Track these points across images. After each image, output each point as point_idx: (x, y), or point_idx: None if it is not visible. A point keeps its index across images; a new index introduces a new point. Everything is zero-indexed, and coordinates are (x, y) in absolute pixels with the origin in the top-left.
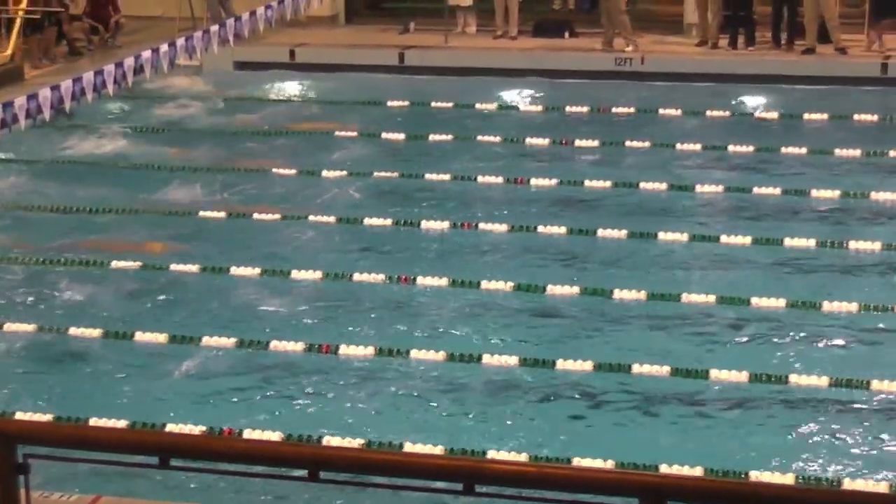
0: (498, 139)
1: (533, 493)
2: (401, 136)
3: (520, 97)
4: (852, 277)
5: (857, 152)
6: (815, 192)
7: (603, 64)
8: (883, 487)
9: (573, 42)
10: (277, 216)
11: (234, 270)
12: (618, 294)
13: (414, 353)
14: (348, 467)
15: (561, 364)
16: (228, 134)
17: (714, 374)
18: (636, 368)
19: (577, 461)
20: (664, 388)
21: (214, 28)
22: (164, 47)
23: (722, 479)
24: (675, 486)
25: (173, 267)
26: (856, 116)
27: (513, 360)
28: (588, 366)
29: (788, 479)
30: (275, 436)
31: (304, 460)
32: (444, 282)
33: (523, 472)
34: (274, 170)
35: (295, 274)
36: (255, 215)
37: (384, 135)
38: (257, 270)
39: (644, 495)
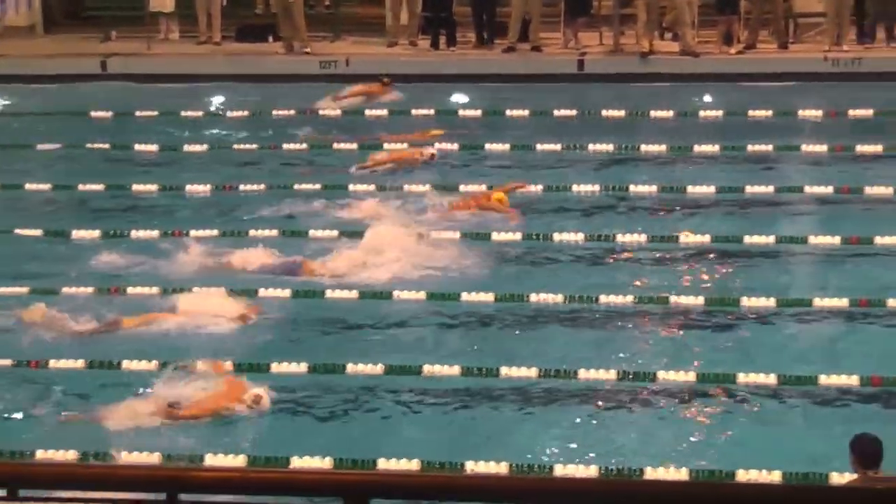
0: (205, 147)
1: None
2: (105, 146)
3: (226, 103)
4: (558, 269)
5: (558, 146)
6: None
7: (308, 67)
8: (593, 472)
9: (277, 46)
10: None
11: None
12: (330, 294)
13: (125, 364)
14: (51, 483)
15: (275, 367)
16: None
17: (427, 369)
18: (351, 368)
19: (296, 462)
20: (381, 385)
21: None
22: None
23: (432, 474)
24: (381, 484)
25: None
26: (555, 112)
27: (227, 366)
28: (303, 368)
29: (503, 468)
30: None
31: (2, 478)
32: (154, 290)
33: (228, 479)
34: None
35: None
36: None
37: (88, 145)
38: None
39: (348, 494)
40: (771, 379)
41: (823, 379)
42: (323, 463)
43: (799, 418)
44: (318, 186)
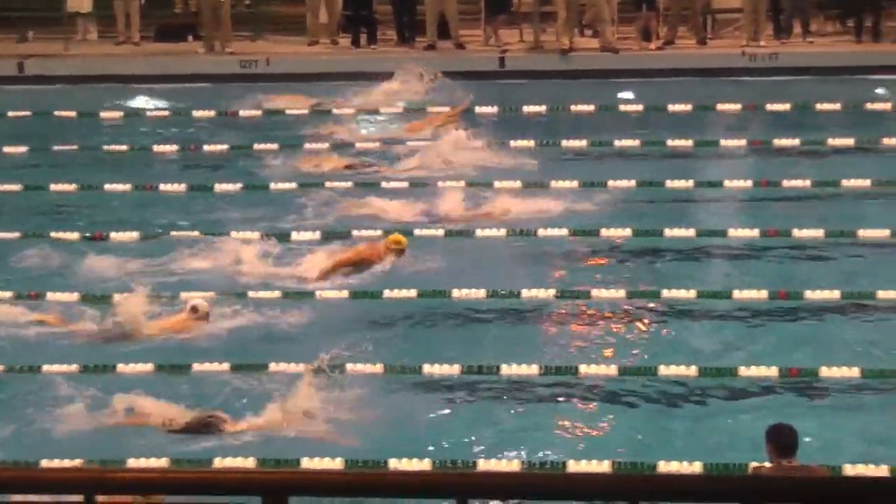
0: (125, 147)
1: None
2: (23, 149)
3: (145, 104)
4: (480, 265)
5: (479, 143)
6: (441, 184)
7: (228, 67)
8: (516, 466)
9: (197, 45)
10: None
11: None
12: (252, 295)
13: (46, 367)
14: None
15: (197, 366)
16: None
17: (273, 366)
18: (273, 367)
19: (219, 462)
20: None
21: None
22: None
23: (352, 471)
24: (298, 482)
25: None
26: (478, 109)
27: (148, 367)
28: (225, 366)
29: (426, 465)
30: None
31: None
32: (74, 297)
33: (146, 479)
34: None
35: None
36: None
37: (5, 148)
38: None
39: (267, 493)
40: (692, 371)
41: (742, 370)
42: (246, 462)
43: (718, 409)
44: (237, 186)
